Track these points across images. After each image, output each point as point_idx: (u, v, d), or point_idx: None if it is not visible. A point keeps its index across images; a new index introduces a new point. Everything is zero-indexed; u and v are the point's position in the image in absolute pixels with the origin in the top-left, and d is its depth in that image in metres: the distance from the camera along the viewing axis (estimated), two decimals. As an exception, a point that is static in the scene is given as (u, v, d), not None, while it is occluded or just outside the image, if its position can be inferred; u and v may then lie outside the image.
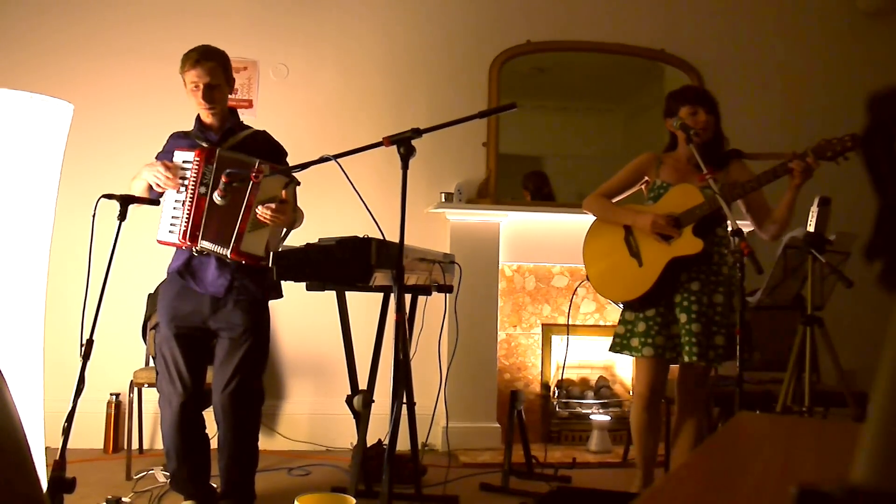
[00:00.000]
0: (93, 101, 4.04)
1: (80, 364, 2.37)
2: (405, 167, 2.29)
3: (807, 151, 2.69)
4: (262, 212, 2.69)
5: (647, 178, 3.05)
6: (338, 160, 2.32)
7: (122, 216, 2.54)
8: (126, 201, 2.57)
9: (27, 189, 2.66)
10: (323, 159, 2.37)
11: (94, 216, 2.44)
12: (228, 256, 2.71)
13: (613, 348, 3.00)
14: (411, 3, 4.48)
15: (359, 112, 4.38)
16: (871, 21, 4.86)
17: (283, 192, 2.75)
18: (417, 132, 2.31)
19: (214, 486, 2.97)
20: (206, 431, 2.92)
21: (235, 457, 2.85)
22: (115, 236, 2.50)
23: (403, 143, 2.29)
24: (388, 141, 2.30)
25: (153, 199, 2.77)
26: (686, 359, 2.82)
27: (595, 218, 3.07)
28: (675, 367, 3.05)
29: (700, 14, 4.73)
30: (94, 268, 2.44)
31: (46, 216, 2.77)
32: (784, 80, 4.77)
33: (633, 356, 2.94)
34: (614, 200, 3.07)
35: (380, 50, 4.44)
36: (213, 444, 2.93)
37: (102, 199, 2.52)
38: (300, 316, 4.18)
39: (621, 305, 2.99)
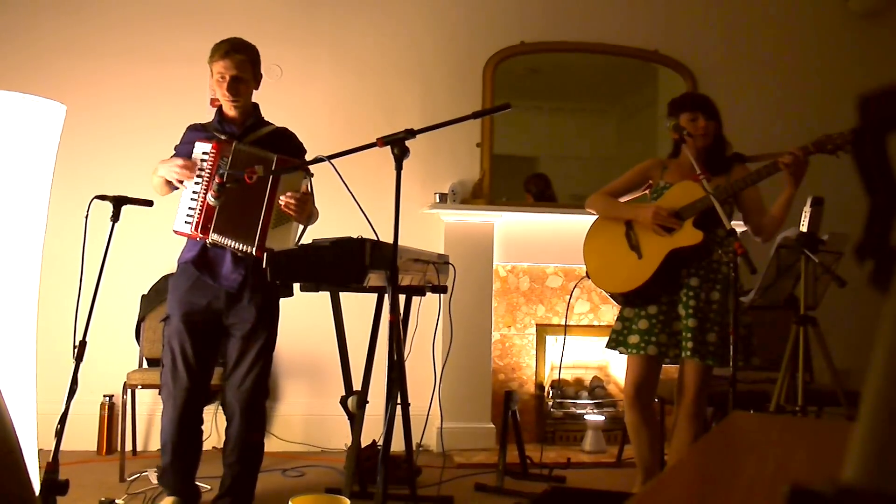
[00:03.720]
0: (86, 103, 4.03)
1: (73, 365, 2.36)
2: (399, 168, 2.29)
3: (807, 146, 2.69)
4: (287, 201, 2.69)
5: (650, 181, 3.06)
6: (332, 161, 2.32)
7: (115, 217, 2.54)
8: (119, 202, 2.57)
9: (20, 190, 2.65)
10: (317, 160, 2.37)
11: (86, 217, 2.44)
12: (254, 253, 2.71)
13: (609, 345, 2.99)
14: (405, 4, 4.48)
15: (353, 113, 4.38)
16: (864, 22, 4.88)
17: (304, 186, 2.76)
18: (411, 133, 2.31)
19: (199, 486, 2.97)
20: (203, 427, 2.92)
21: (245, 454, 2.86)
22: (108, 237, 2.49)
23: (397, 144, 2.29)
24: (382, 141, 2.30)
25: (147, 201, 2.77)
26: (683, 354, 2.81)
27: (597, 217, 3.08)
28: (671, 368, 3.06)
29: (694, 15, 4.74)
30: (87, 269, 2.43)
31: (39, 217, 2.75)
32: (777, 81, 4.79)
33: (629, 353, 2.92)
34: (619, 199, 3.07)
35: (374, 51, 4.44)
36: (207, 444, 2.92)
37: (95, 200, 2.52)
38: (294, 317, 4.15)
39: (620, 300, 2.97)
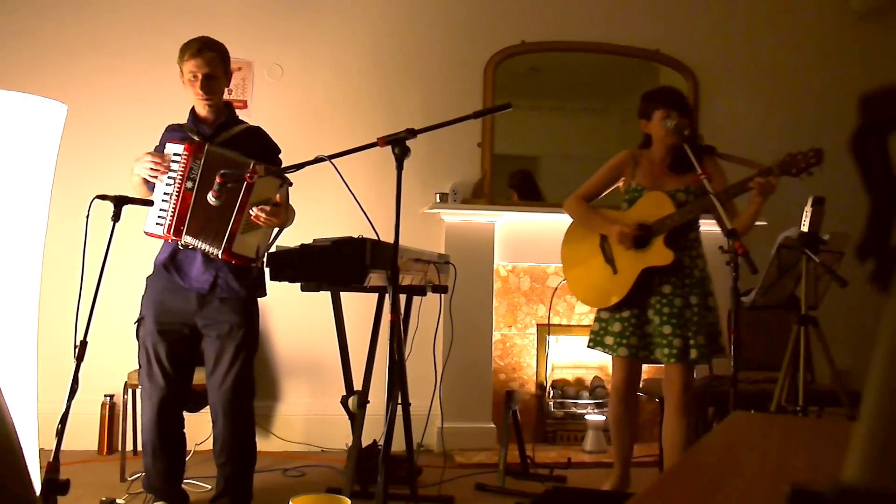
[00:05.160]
0: (87, 102, 4.03)
1: (73, 365, 2.36)
2: (400, 167, 2.28)
3: (772, 168, 2.74)
4: (257, 213, 2.69)
5: (624, 176, 3.12)
6: (332, 161, 2.32)
7: (116, 217, 2.53)
8: (120, 202, 2.56)
9: (21, 190, 2.65)
10: (318, 160, 2.37)
11: (87, 217, 2.43)
12: (220, 256, 2.71)
13: (589, 344, 3.13)
14: (406, 3, 4.48)
15: (353, 112, 4.38)
16: (865, 21, 4.87)
17: (278, 195, 2.74)
18: (412, 132, 2.31)
19: (185, 490, 2.97)
20: (185, 431, 2.92)
21: (234, 454, 2.85)
22: (108, 237, 2.49)
23: (398, 144, 2.29)
24: (383, 141, 2.30)
25: (148, 200, 2.76)
26: (661, 359, 2.95)
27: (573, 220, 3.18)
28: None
29: (695, 14, 4.74)
30: (88, 269, 2.43)
31: (40, 217, 2.76)
32: (778, 80, 4.78)
33: (607, 353, 3.07)
34: (596, 198, 3.17)
35: (375, 50, 4.44)
36: (199, 448, 2.92)
37: (96, 199, 2.51)
38: (295, 316, 4.17)
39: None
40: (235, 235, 2.69)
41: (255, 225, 2.71)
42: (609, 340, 3.01)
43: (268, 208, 2.69)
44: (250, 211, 2.69)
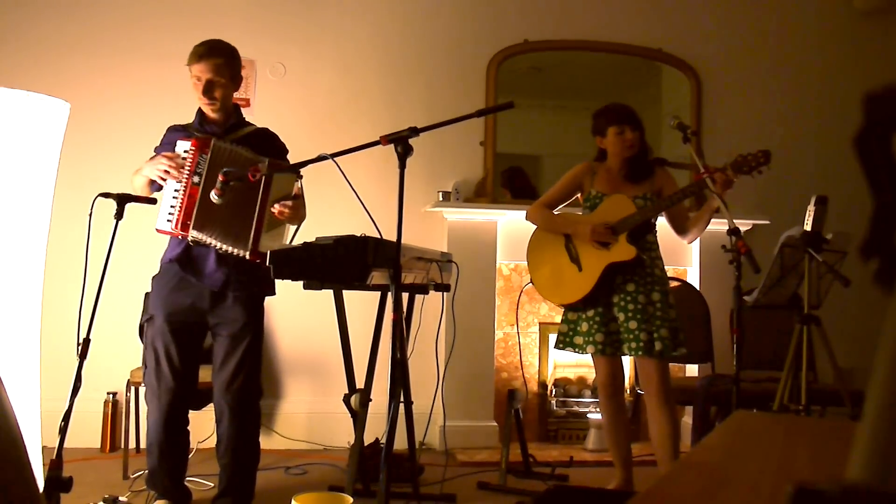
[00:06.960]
0: (90, 100, 4.04)
1: (76, 363, 2.37)
2: (402, 166, 2.29)
3: (726, 166, 2.85)
4: (280, 209, 2.69)
5: (582, 186, 3.22)
6: (335, 159, 2.32)
7: (119, 215, 2.54)
8: (123, 200, 2.56)
9: (24, 188, 2.66)
10: (320, 158, 2.37)
11: (90, 215, 2.44)
12: (248, 258, 2.71)
13: (558, 345, 3.22)
14: (409, 2, 4.48)
15: (356, 111, 4.38)
16: (868, 20, 4.86)
17: (295, 188, 2.75)
18: (415, 131, 2.31)
19: (188, 486, 2.97)
20: (189, 429, 2.92)
21: (238, 454, 2.84)
22: (111, 235, 2.49)
23: (401, 142, 2.29)
24: (386, 140, 2.30)
25: (150, 199, 2.76)
26: (628, 353, 3.03)
27: (536, 227, 3.25)
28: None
29: (697, 13, 4.73)
30: (90, 267, 2.43)
31: (43, 215, 2.76)
32: (781, 79, 4.78)
33: (576, 353, 3.16)
34: (556, 208, 3.27)
35: (377, 49, 4.44)
36: (202, 446, 2.93)
37: (99, 197, 2.52)
38: (297, 315, 4.17)
39: (564, 305, 3.18)
40: (261, 234, 2.70)
41: (279, 221, 2.72)
42: (579, 340, 3.11)
43: (290, 203, 2.70)
44: (272, 209, 2.69)
